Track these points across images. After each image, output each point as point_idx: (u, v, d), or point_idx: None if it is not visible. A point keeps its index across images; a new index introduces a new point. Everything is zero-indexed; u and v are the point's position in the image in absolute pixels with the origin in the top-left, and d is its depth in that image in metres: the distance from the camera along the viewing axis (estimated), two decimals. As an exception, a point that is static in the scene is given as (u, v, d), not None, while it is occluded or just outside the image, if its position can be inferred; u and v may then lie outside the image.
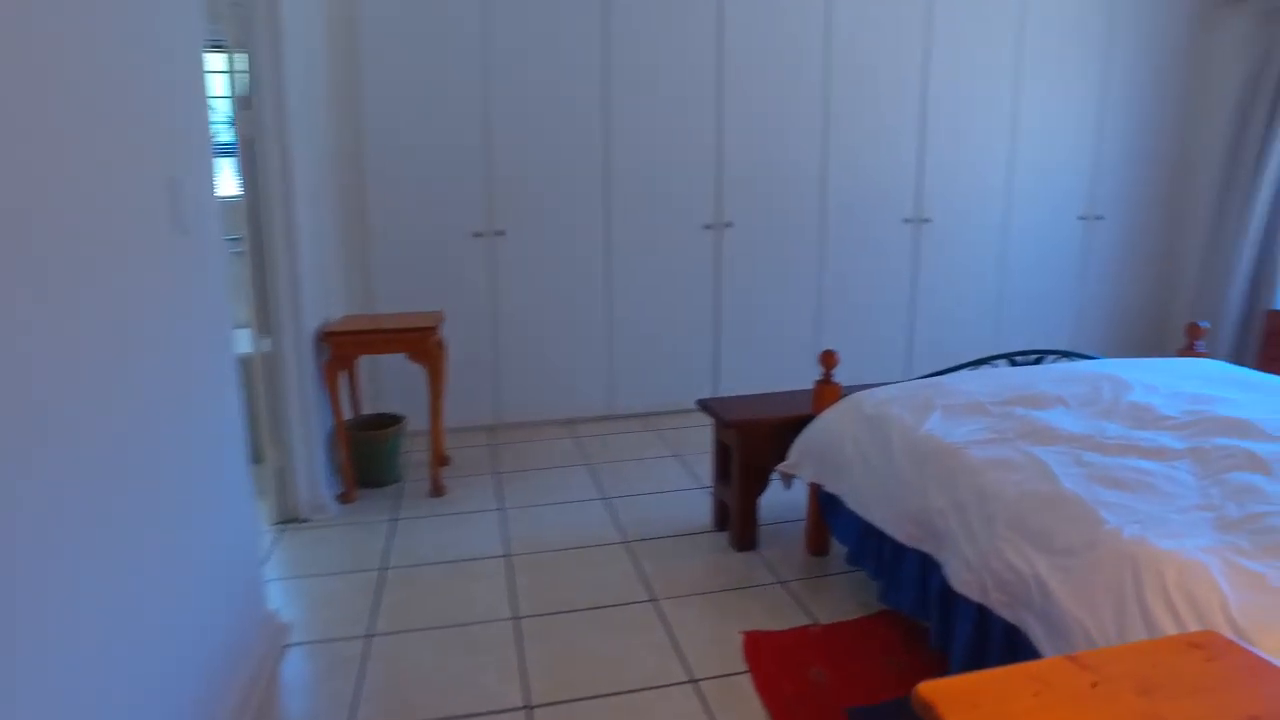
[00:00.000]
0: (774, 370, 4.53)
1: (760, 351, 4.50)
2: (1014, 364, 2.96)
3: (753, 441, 2.77)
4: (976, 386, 2.55)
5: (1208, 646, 1.08)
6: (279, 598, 2.57)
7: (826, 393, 2.69)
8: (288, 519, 3.13)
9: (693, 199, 4.26)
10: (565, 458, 3.84)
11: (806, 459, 2.62)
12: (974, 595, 1.87)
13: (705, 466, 3.66)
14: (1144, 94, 4.80)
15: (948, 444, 2.13)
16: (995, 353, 4.82)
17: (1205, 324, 3.14)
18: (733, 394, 4.45)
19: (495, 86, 3.92)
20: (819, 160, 4.36)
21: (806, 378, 4.58)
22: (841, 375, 4.79)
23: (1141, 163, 4.90)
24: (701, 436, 4.07)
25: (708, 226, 4.29)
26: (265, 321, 3.02)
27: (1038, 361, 2.98)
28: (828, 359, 2.69)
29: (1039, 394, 2.47)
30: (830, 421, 2.57)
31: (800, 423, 2.75)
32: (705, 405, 2.93)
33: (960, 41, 4.43)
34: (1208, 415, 2.28)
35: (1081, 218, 4.85)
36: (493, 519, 3.15)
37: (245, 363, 3.56)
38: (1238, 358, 4.57)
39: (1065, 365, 2.80)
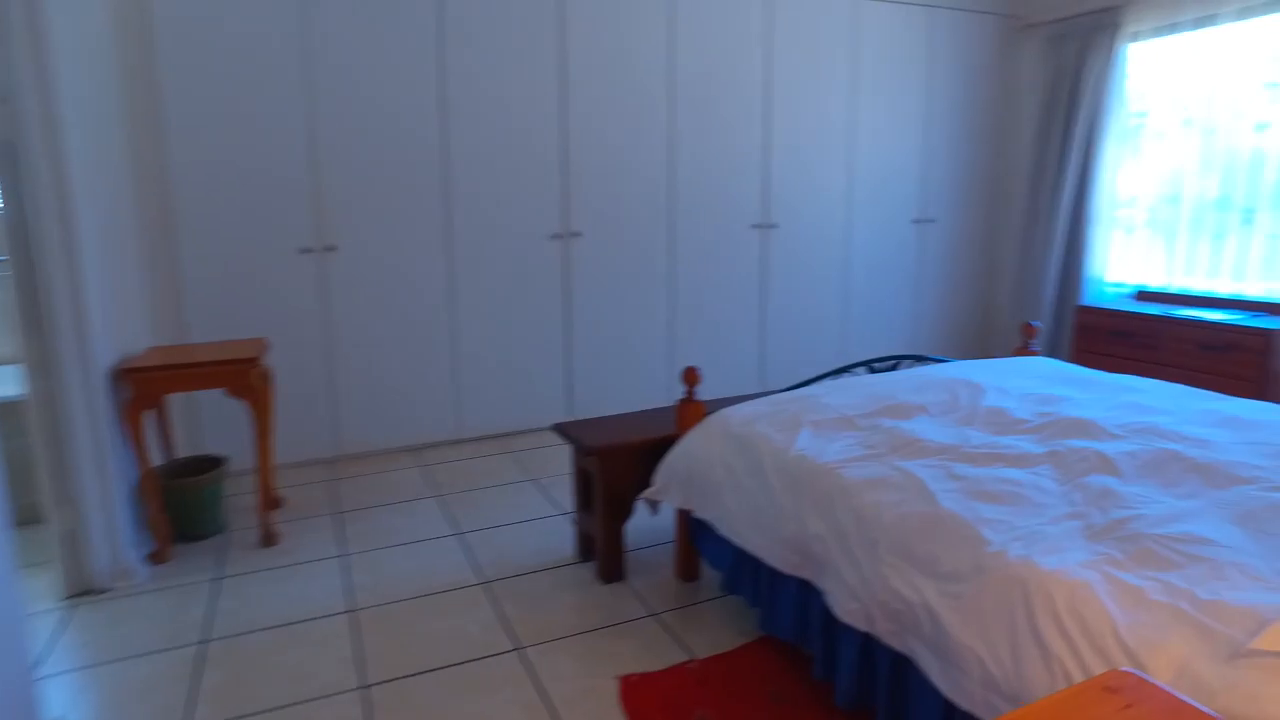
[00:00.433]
0: (630, 383, 4.39)
1: (614, 365, 4.34)
2: (872, 370, 2.94)
3: (615, 468, 2.58)
4: (842, 399, 2.48)
5: (1123, 690, 0.99)
6: (65, 697, 2.13)
7: (690, 412, 2.55)
8: (82, 591, 2.64)
9: (538, 209, 4.04)
10: (413, 490, 3.51)
11: (673, 484, 2.47)
12: (860, 625, 1.77)
13: (564, 491, 3.45)
14: (961, 107, 5.02)
15: (821, 465, 2.03)
16: (842, 355, 5.02)
17: (1038, 323, 3.26)
18: (589, 411, 4.30)
19: (320, 89, 3.54)
20: (666, 167, 4.25)
21: (663, 390, 4.48)
22: (710, 384, 4.84)
23: (964, 170, 5.13)
24: (559, 457, 3.86)
25: (555, 236, 4.09)
26: (41, 357, 2.54)
27: (894, 367, 2.98)
28: (690, 376, 2.55)
29: (902, 404, 2.43)
30: (696, 443, 2.43)
31: (664, 445, 2.60)
32: (562, 431, 2.72)
33: (799, 53, 4.45)
34: (1056, 417, 2.31)
35: (915, 221, 5.02)
36: (333, 568, 2.80)
37: (13, 407, 3.03)
38: (1053, 351, 4.86)
39: (921, 371, 2.79)
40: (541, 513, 3.25)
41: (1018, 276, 5.12)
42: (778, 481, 2.09)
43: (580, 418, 4.31)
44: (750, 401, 2.56)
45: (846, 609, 1.80)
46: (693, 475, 2.39)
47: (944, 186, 5.08)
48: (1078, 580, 1.44)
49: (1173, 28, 4.26)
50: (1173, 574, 1.47)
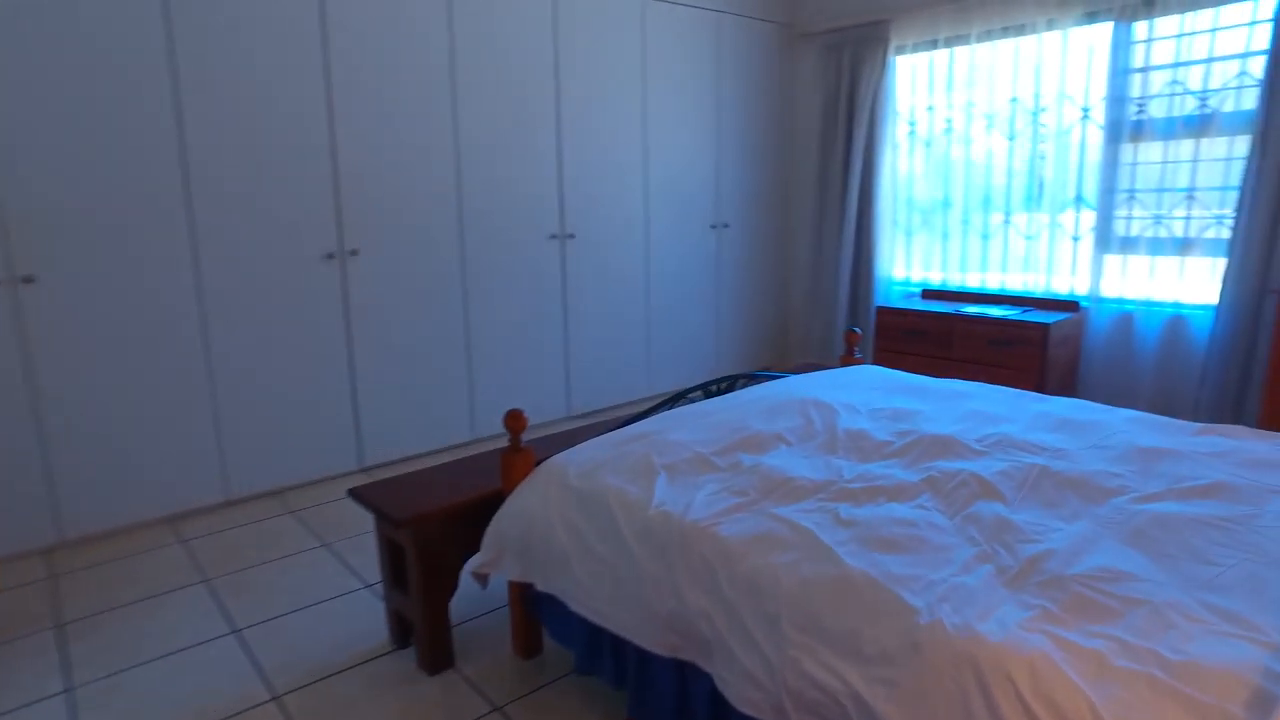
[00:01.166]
0: (428, 417, 3.84)
1: (408, 396, 3.78)
2: (709, 394, 2.66)
3: (434, 539, 2.09)
4: (690, 434, 2.16)
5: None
6: None
7: (517, 464, 2.11)
8: None
9: (309, 226, 3.39)
10: (170, 576, 2.77)
11: (506, 553, 2.03)
12: (766, 718, 1.45)
13: (366, 555, 2.88)
14: (750, 111, 4.96)
15: (691, 523, 1.69)
16: (649, 370, 4.77)
17: (858, 330, 3.16)
18: (383, 453, 3.70)
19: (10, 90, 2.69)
20: (453, 177, 3.75)
21: (465, 422, 3.98)
22: (498, 415, 4.35)
23: (755, 174, 5.08)
24: (355, 513, 3.25)
25: (328, 256, 3.46)
26: None
27: (729, 388, 2.72)
28: (515, 422, 2.11)
29: (757, 434, 2.15)
30: (530, 502, 2.00)
31: (491, 502, 2.15)
32: (362, 497, 2.18)
33: (589, 54, 4.12)
34: (917, 435, 2.13)
35: (713, 226, 4.88)
36: (55, 713, 2.06)
37: None
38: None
39: (762, 392, 2.55)
40: (340, 587, 2.66)
41: (812, 279, 5.15)
42: (641, 547, 1.72)
43: (374, 463, 3.72)
44: (586, 444, 2.17)
45: (747, 698, 1.48)
46: (530, 541, 1.96)
47: (737, 191, 4.99)
48: (1035, 653, 1.20)
49: (932, 44, 4.42)
50: (1118, 626, 1.27)
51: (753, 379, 2.79)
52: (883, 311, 4.28)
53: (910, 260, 4.78)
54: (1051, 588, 1.39)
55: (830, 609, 1.40)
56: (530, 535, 1.96)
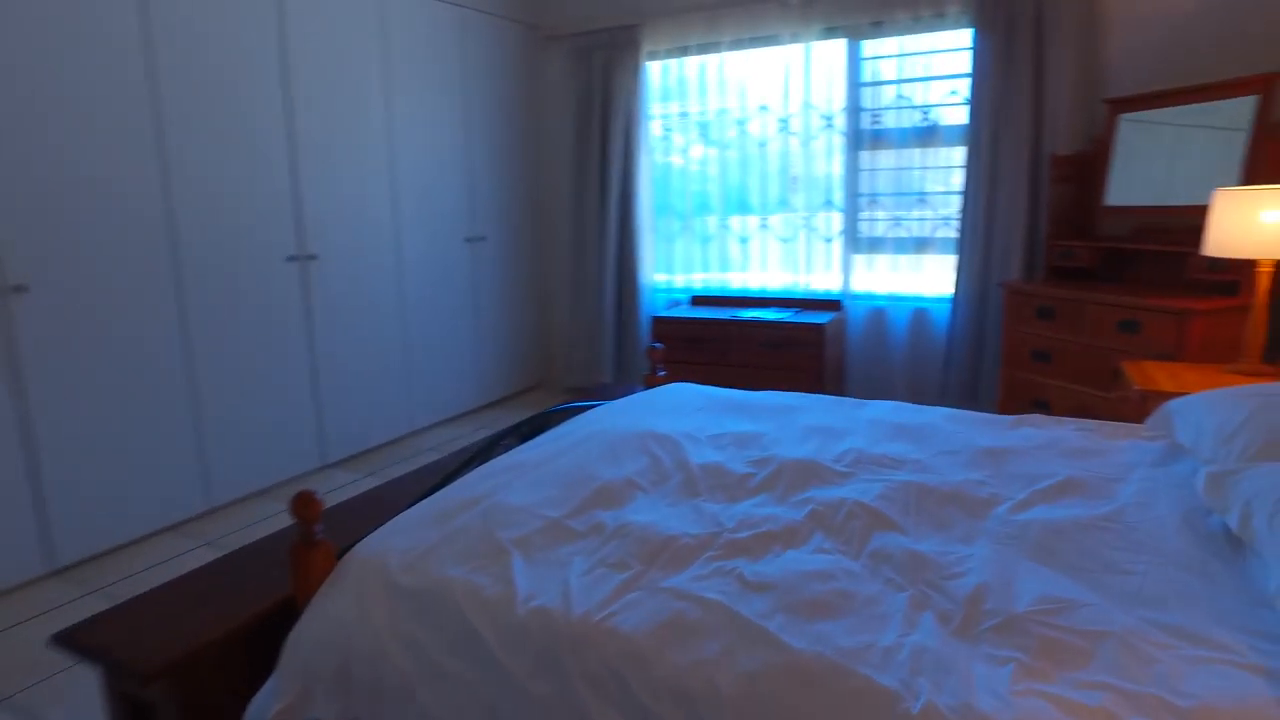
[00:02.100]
0: (141, 489, 3.00)
1: (110, 469, 2.91)
2: (524, 438, 2.27)
3: (204, 690, 1.49)
4: (528, 494, 1.76)
5: None
6: None
7: (314, 562, 1.57)
8: None
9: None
10: None
11: (316, 688, 1.49)
12: None
13: (75, 712, 2.09)
14: (501, 116, 4.58)
15: (578, 620, 1.31)
16: (409, 399, 4.19)
17: (658, 345, 2.93)
18: (83, 548, 2.83)
19: None
20: (160, 197, 2.95)
21: (198, 487, 3.18)
22: (237, 469, 3.52)
23: (509, 182, 4.71)
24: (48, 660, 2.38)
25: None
26: None
27: (540, 429, 2.34)
28: (306, 508, 1.56)
29: (605, 484, 1.81)
30: (342, 613, 1.49)
31: (279, 621, 1.58)
32: (78, 644, 1.50)
33: (322, 50, 3.49)
34: (775, 463, 1.94)
35: (468, 239, 4.42)
36: None
37: None
38: (628, 366, 4.74)
39: (585, 429, 2.20)
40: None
41: (575, 292, 4.89)
42: (516, 661, 1.31)
43: (70, 561, 2.81)
44: (399, 521, 1.69)
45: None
46: (350, 668, 1.45)
47: (492, 201, 4.59)
48: (1053, 734, 1.01)
49: (684, 50, 4.38)
50: (1098, 670, 1.13)
51: (569, 414, 2.44)
52: (660, 322, 4.14)
53: (673, 267, 4.71)
54: (1008, 632, 1.23)
55: (793, 713, 1.12)
56: (349, 659, 1.45)
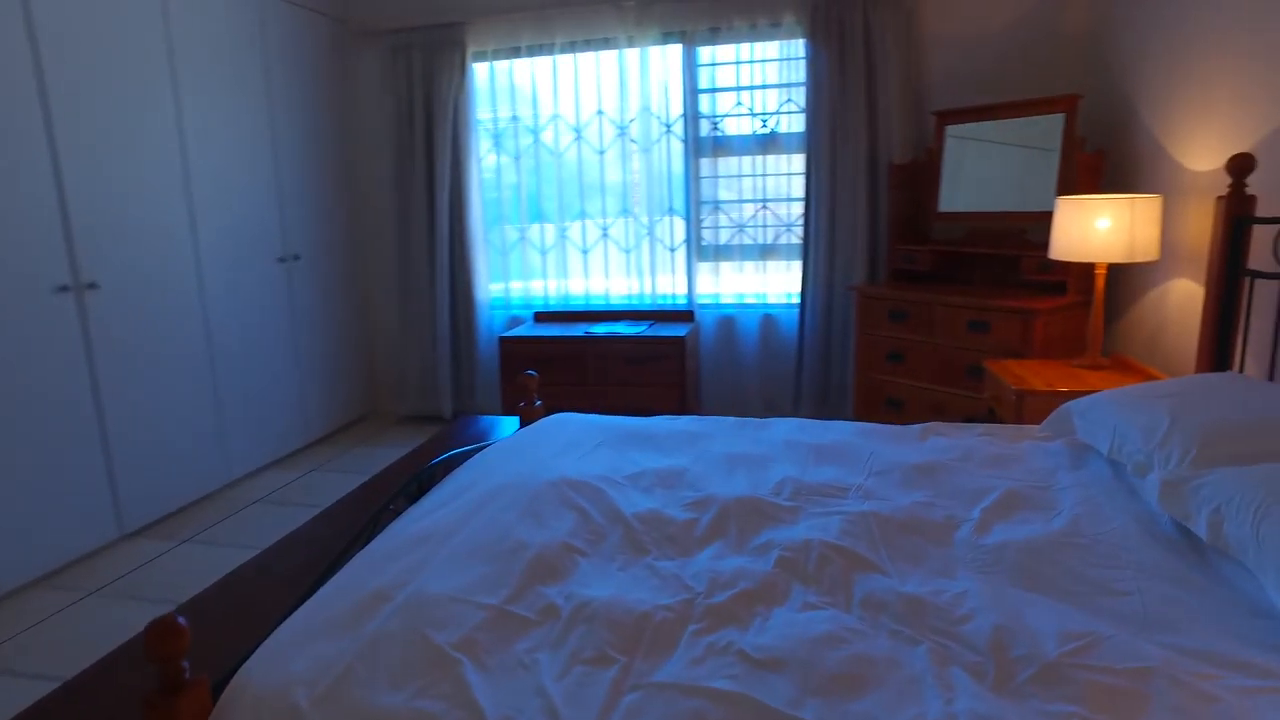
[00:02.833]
0: None
1: None
2: (413, 499, 1.91)
3: None
4: (454, 577, 1.43)
5: None
6: None
7: (183, 709, 1.16)
8: None
9: None
10: None
11: None
12: None
13: None
14: (310, 123, 4.04)
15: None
16: (224, 450, 3.52)
17: (533, 372, 2.65)
18: None
19: None
20: None
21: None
22: (6, 553, 2.72)
23: (324, 195, 4.17)
24: None
25: None
26: None
27: (429, 482, 1.99)
28: (168, 642, 1.13)
29: (540, 553, 1.52)
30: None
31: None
32: None
33: (86, 53, 2.83)
34: (712, 504, 1.75)
35: (280, 260, 3.85)
36: None
37: None
38: (468, 391, 4.37)
39: (488, 482, 1.87)
40: None
41: (403, 312, 4.43)
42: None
43: None
44: (292, 628, 1.31)
45: None
46: None
47: (305, 215, 4.03)
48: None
49: (515, 51, 4.09)
50: (1168, 715, 1.05)
51: (455, 462, 2.11)
52: (509, 342, 3.83)
53: (509, 280, 4.40)
54: (1050, 682, 1.13)
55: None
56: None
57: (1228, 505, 1.37)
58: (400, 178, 4.28)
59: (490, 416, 3.08)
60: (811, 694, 1.13)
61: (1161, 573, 1.40)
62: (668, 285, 4.22)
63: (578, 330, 3.85)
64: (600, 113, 4.07)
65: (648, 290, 4.22)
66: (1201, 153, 2.57)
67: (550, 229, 4.27)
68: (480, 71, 4.16)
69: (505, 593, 1.39)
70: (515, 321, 4.32)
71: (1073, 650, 1.19)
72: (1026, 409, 2.52)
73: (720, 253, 4.15)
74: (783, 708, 1.09)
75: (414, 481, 1.93)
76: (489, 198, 4.31)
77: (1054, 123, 3.18)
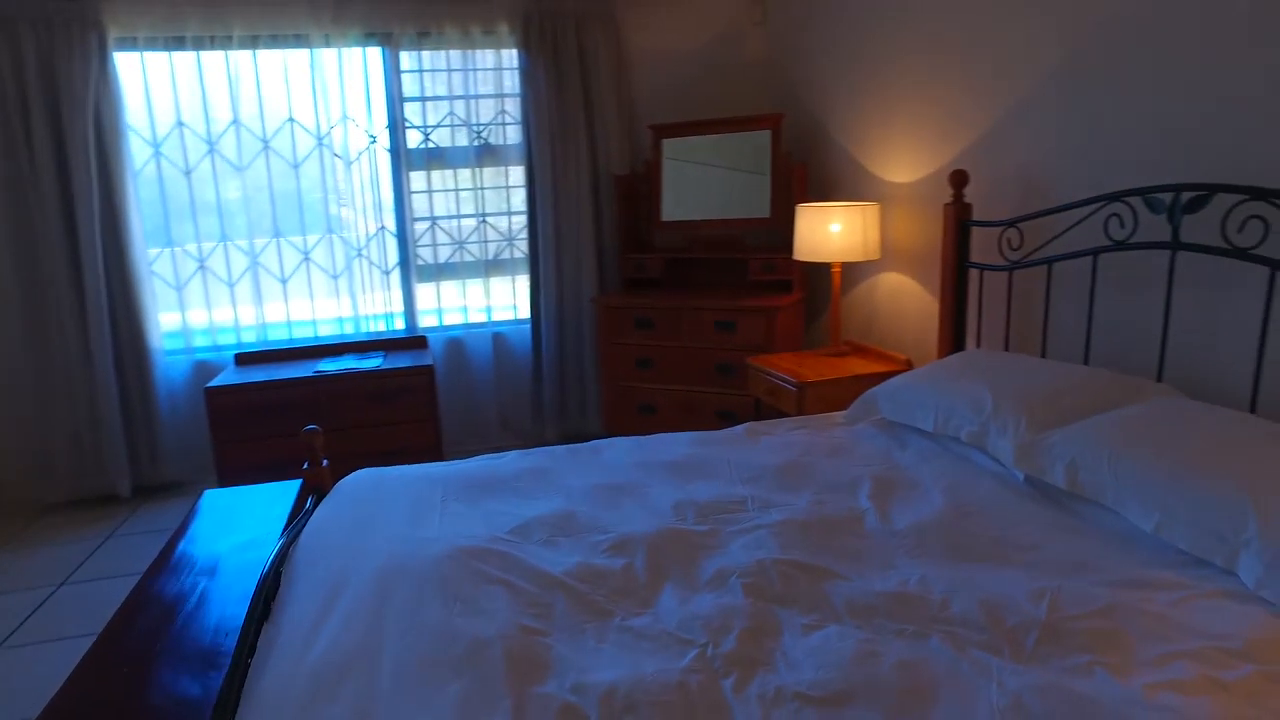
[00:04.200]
0: None
1: None
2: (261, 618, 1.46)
3: None
4: (428, 710, 1.14)
5: None
6: None
7: None
8: None
9: None
10: None
11: None
12: None
13: None
14: None
15: None
16: None
17: (313, 426, 2.21)
18: None
19: None
20: None
21: None
22: None
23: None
24: None
25: None
26: None
27: (266, 606, 1.54)
28: None
29: (506, 645, 1.27)
30: None
31: None
32: None
33: None
34: (633, 544, 1.63)
35: None
36: None
37: None
38: (147, 469, 3.48)
39: (364, 574, 1.51)
40: None
41: (38, 370, 3.37)
42: None
43: None
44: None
45: None
46: None
47: None
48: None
49: (179, 42, 3.34)
50: (1158, 644, 1.23)
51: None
52: (219, 394, 3.12)
53: (187, 317, 3.61)
54: (1054, 641, 1.26)
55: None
56: None
57: (1080, 456, 1.66)
58: (10, 192, 3.25)
59: (228, 490, 2.49)
60: (899, 716, 1.11)
61: (1044, 522, 1.65)
62: (385, 310, 3.83)
63: (303, 370, 3.30)
64: (292, 120, 3.53)
65: (366, 317, 3.79)
66: (894, 167, 3.08)
67: (238, 255, 3.60)
68: (129, 64, 3.33)
69: (507, 707, 1.14)
70: (206, 367, 3.55)
71: (1049, 607, 1.35)
72: (807, 399, 2.78)
73: (441, 272, 3.89)
74: None
75: (259, 601, 1.48)
76: (151, 218, 3.48)
77: (762, 138, 3.55)
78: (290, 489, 2.37)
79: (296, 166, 3.58)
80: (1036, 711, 1.10)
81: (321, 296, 3.75)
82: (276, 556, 1.63)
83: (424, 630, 1.31)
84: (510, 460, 2.20)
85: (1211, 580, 1.37)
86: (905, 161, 3.01)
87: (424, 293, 3.87)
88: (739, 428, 2.41)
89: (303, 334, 3.74)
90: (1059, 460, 1.69)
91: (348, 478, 2.12)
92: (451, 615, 1.35)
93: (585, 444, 2.32)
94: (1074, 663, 1.22)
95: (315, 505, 2.03)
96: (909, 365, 2.90)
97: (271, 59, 3.48)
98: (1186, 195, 1.80)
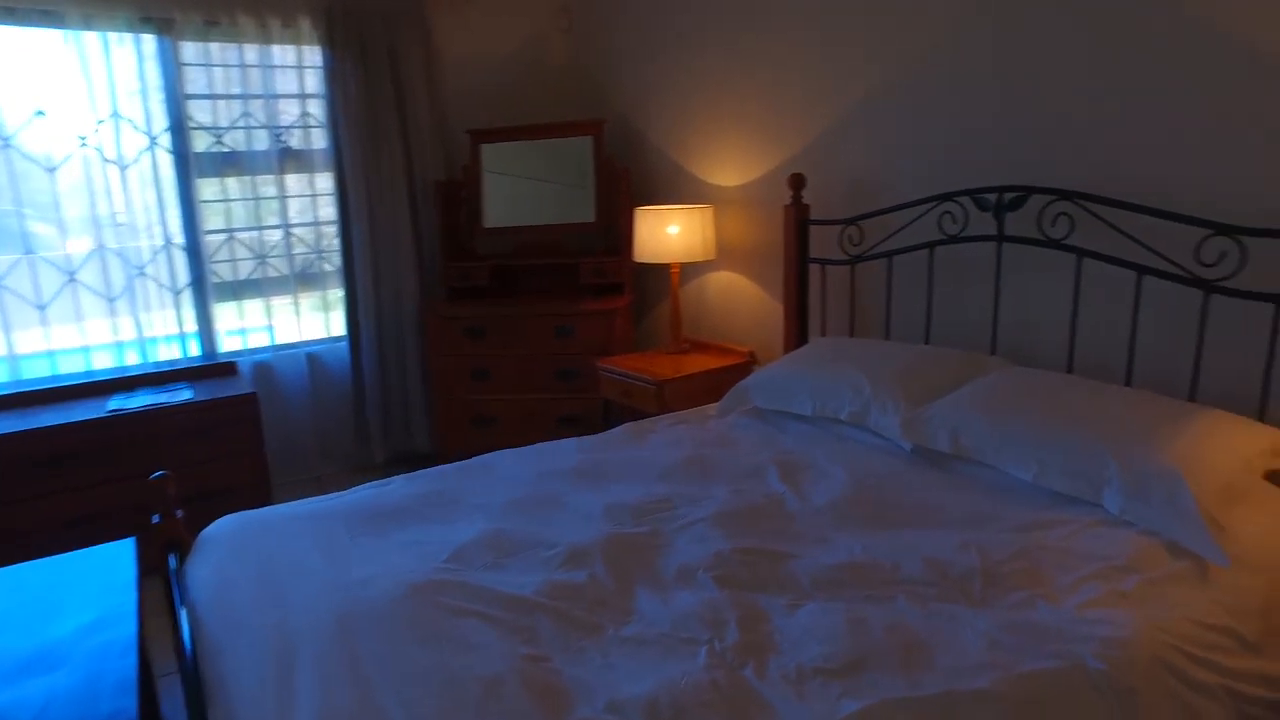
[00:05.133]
0: None
1: None
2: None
3: None
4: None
5: None
6: None
7: None
8: None
9: None
10: None
11: None
12: None
13: None
14: None
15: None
16: None
17: (161, 473, 1.89)
18: None
19: None
20: None
21: None
22: None
23: None
24: None
25: None
26: None
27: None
28: None
29: (522, 676, 1.19)
30: None
31: None
32: None
33: None
34: (587, 554, 1.61)
35: None
36: None
37: None
38: None
39: (315, 627, 1.32)
40: None
41: None
42: None
43: None
44: None
45: None
46: None
47: None
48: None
49: None
50: (1082, 564, 1.44)
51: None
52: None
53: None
54: (994, 584, 1.44)
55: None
56: None
57: (960, 424, 1.88)
58: None
59: (26, 565, 2.05)
60: (913, 673, 1.21)
61: (938, 485, 1.85)
62: (177, 333, 3.34)
63: (92, 410, 2.76)
64: (41, 114, 2.96)
65: (151, 341, 3.27)
66: (719, 171, 3.26)
67: (-22, 278, 2.95)
68: None
69: (556, 736, 1.08)
70: (-56, 419, 2.85)
71: (978, 556, 1.52)
72: (667, 395, 2.86)
73: (243, 289, 3.47)
74: (950, 688, 1.15)
75: (192, 683, 1.24)
76: None
77: (584, 144, 3.57)
78: (124, 550, 2.00)
79: (52, 171, 3.00)
80: (1011, 645, 1.26)
81: (94, 321, 3.17)
82: (188, 629, 1.38)
83: (422, 677, 1.19)
84: (398, 486, 2.04)
85: (1087, 514, 1.64)
86: (730, 166, 3.20)
87: (223, 313, 3.43)
88: (620, 429, 2.44)
89: (71, 366, 3.15)
90: (941, 429, 1.91)
91: (213, 528, 1.86)
92: (443, 656, 1.24)
93: (472, 460, 2.22)
94: (1016, 599, 1.39)
95: (180, 563, 1.75)
96: (753, 358, 3.09)
97: (14, 38, 2.89)
98: (1009, 195, 2.11)
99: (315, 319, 3.63)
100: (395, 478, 2.10)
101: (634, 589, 1.50)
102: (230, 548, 1.69)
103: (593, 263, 3.54)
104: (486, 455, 2.25)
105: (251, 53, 3.30)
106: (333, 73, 3.39)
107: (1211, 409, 1.71)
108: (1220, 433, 1.63)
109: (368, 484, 2.09)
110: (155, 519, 1.86)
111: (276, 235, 3.50)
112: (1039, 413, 1.80)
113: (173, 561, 1.75)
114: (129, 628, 1.55)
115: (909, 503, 1.78)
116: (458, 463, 2.20)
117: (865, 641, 1.28)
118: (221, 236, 3.39)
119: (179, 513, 1.87)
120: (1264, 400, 1.75)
